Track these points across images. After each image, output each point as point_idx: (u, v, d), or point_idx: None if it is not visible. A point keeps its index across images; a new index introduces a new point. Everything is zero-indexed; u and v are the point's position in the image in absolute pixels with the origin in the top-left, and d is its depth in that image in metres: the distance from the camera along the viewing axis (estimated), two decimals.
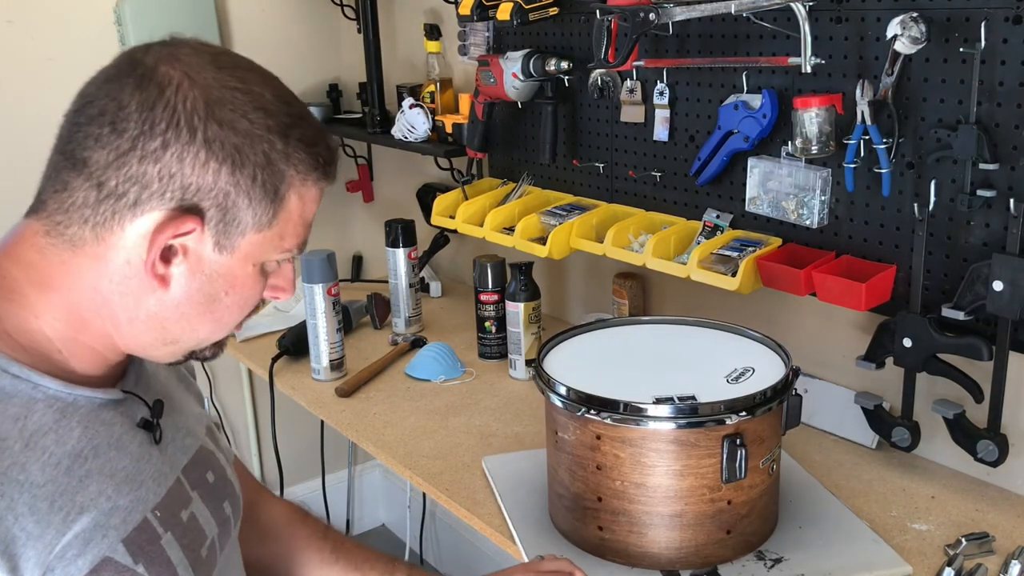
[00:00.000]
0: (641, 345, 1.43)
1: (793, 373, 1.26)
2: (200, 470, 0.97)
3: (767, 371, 1.27)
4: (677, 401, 1.18)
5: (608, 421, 1.19)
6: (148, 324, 0.84)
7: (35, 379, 0.80)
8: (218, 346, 0.92)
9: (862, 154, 1.44)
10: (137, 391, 0.91)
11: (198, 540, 0.90)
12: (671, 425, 1.18)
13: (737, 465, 1.18)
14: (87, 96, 0.80)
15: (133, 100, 0.77)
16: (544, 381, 1.27)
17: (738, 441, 1.18)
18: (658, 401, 1.18)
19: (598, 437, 1.21)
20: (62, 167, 0.80)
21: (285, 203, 0.83)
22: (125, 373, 0.92)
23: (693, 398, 1.19)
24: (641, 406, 1.18)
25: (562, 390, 1.24)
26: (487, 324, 1.98)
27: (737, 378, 1.27)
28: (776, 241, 1.62)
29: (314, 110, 2.65)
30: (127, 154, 0.77)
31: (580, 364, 1.35)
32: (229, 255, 0.82)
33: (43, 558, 0.74)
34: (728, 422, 1.17)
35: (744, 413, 1.17)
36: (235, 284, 0.85)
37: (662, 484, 1.20)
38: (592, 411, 1.20)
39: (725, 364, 1.31)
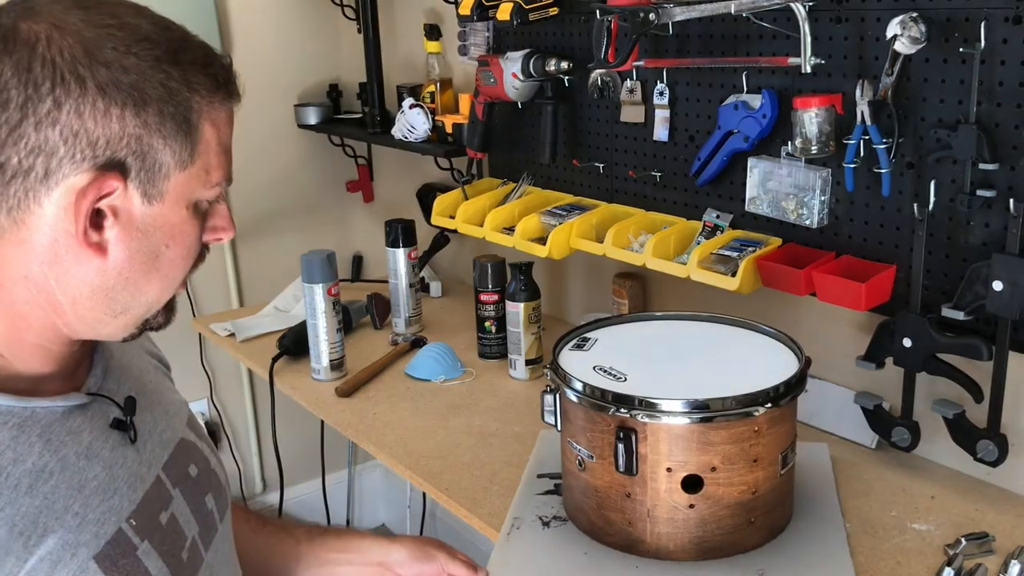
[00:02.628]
0: (656, 340, 1.44)
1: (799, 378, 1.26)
2: (181, 464, 0.92)
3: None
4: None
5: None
6: (93, 300, 0.78)
7: None
8: (169, 310, 0.86)
9: (862, 154, 1.44)
10: (105, 390, 0.86)
11: (178, 543, 0.86)
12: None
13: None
14: None
15: (5, 67, 0.70)
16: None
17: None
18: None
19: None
20: None
21: (200, 133, 0.77)
22: (91, 370, 0.87)
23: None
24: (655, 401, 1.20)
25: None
26: (487, 324, 1.98)
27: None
28: (776, 241, 1.62)
29: (314, 110, 2.66)
30: (19, 125, 0.70)
31: (611, 358, 1.35)
32: (160, 203, 0.77)
33: None
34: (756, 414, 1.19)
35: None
36: (173, 233, 0.79)
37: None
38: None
39: (738, 358, 1.35)
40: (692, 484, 1.21)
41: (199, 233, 0.82)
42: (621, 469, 1.20)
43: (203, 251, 0.85)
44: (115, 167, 0.74)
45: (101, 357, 0.89)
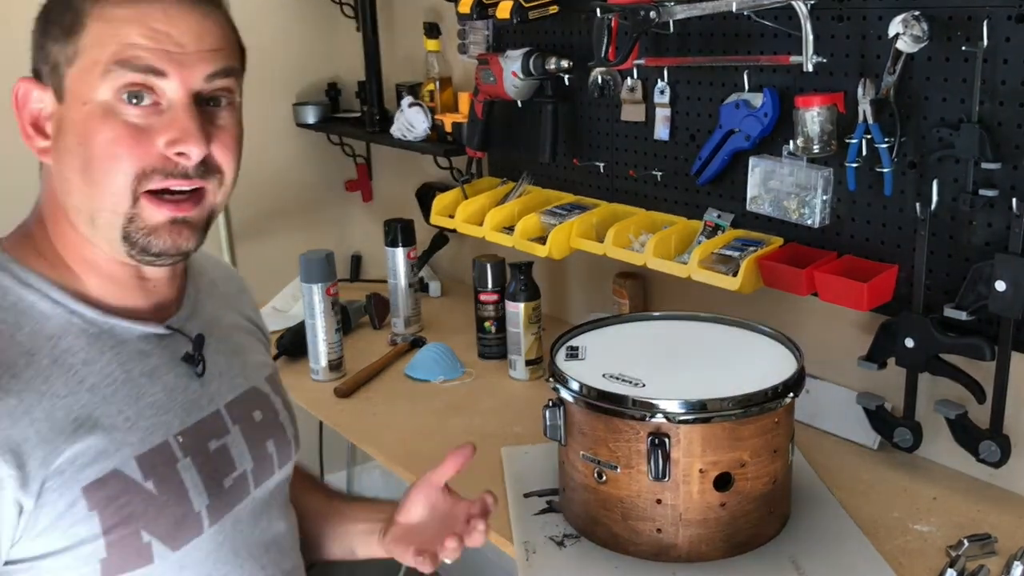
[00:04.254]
0: (655, 340, 1.44)
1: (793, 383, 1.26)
2: (246, 408, 1.02)
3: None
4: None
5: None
6: (71, 209, 0.88)
7: (72, 305, 0.87)
8: (151, 232, 0.87)
9: (864, 153, 1.43)
10: (187, 328, 0.96)
11: (223, 470, 0.95)
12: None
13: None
14: None
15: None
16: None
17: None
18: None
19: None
20: None
21: (85, 30, 0.84)
22: (178, 312, 0.97)
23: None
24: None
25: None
26: (487, 324, 1.98)
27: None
28: (777, 241, 1.61)
29: (312, 109, 2.65)
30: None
31: (606, 359, 1.35)
32: (64, 102, 0.86)
33: (50, 459, 0.81)
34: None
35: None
36: (79, 131, 0.84)
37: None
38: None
39: (732, 356, 1.35)
40: (723, 482, 1.21)
41: (116, 134, 0.84)
42: (656, 476, 1.19)
43: (167, 168, 0.86)
44: (34, 76, 0.88)
45: (190, 302, 1.00)
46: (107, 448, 0.84)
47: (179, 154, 0.85)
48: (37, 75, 0.87)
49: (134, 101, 0.84)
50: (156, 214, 0.87)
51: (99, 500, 0.83)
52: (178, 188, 0.87)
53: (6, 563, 0.81)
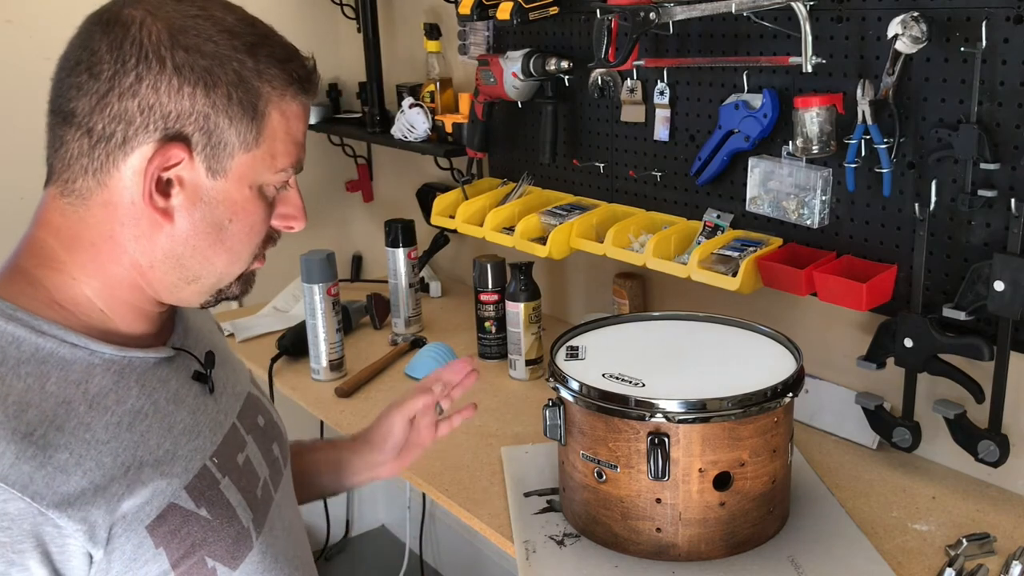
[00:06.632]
0: (654, 340, 1.44)
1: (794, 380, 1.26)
2: (252, 415, 1.03)
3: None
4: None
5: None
6: (166, 264, 0.87)
7: (92, 346, 0.84)
8: (245, 282, 0.94)
9: (863, 154, 1.43)
10: (186, 346, 0.96)
11: (252, 482, 0.96)
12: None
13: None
14: (64, 54, 0.83)
15: (103, 44, 0.81)
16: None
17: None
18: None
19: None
20: (55, 125, 0.83)
21: (267, 120, 0.85)
22: (174, 329, 0.96)
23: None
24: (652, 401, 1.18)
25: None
26: (487, 324, 1.98)
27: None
28: (777, 241, 1.61)
29: (313, 109, 2.65)
30: (107, 95, 0.80)
31: (604, 359, 1.35)
32: (223, 179, 0.85)
33: (112, 507, 0.80)
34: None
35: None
36: (236, 209, 0.87)
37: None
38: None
39: (731, 356, 1.35)
40: (723, 482, 1.21)
41: (265, 215, 0.89)
42: (655, 475, 1.20)
43: (273, 235, 0.93)
44: (181, 139, 0.82)
45: (181, 318, 0.99)
46: (158, 484, 0.84)
47: (287, 227, 0.93)
48: (181, 139, 0.82)
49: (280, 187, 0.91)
50: (254, 266, 0.94)
51: (163, 536, 0.84)
52: None
53: None
